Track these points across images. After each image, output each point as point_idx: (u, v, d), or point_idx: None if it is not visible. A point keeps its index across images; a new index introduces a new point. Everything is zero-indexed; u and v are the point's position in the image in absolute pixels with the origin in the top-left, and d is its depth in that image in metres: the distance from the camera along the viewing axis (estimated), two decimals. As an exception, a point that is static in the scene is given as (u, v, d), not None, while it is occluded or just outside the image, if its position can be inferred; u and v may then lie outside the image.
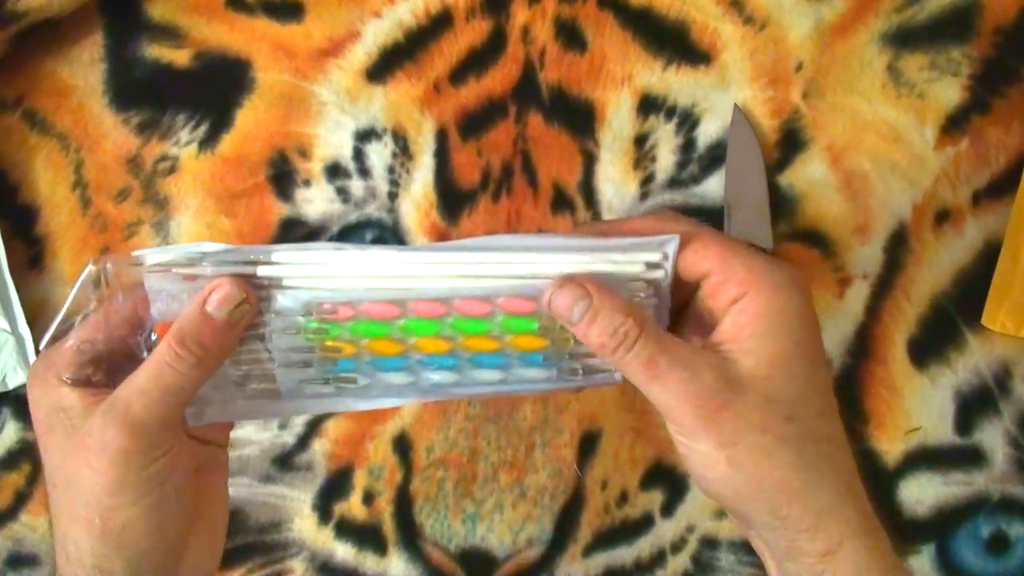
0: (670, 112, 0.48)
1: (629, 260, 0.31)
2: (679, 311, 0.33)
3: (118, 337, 0.31)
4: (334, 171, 0.49)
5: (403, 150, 0.49)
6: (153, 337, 0.31)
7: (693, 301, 0.32)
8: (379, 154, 0.49)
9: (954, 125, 0.48)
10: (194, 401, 0.32)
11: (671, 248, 0.31)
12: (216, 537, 0.35)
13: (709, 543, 0.47)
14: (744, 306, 0.30)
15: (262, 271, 0.31)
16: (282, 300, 0.31)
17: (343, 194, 0.49)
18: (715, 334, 0.30)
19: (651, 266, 0.31)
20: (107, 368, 0.32)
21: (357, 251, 0.31)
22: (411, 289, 0.31)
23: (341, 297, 0.31)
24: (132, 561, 0.30)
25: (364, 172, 0.49)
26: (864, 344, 0.47)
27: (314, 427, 0.48)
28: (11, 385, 0.47)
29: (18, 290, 0.47)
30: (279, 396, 0.33)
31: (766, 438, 0.29)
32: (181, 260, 0.30)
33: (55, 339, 0.31)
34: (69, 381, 0.30)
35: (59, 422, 0.30)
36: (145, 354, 0.31)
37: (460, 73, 0.49)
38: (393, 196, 0.49)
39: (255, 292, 0.31)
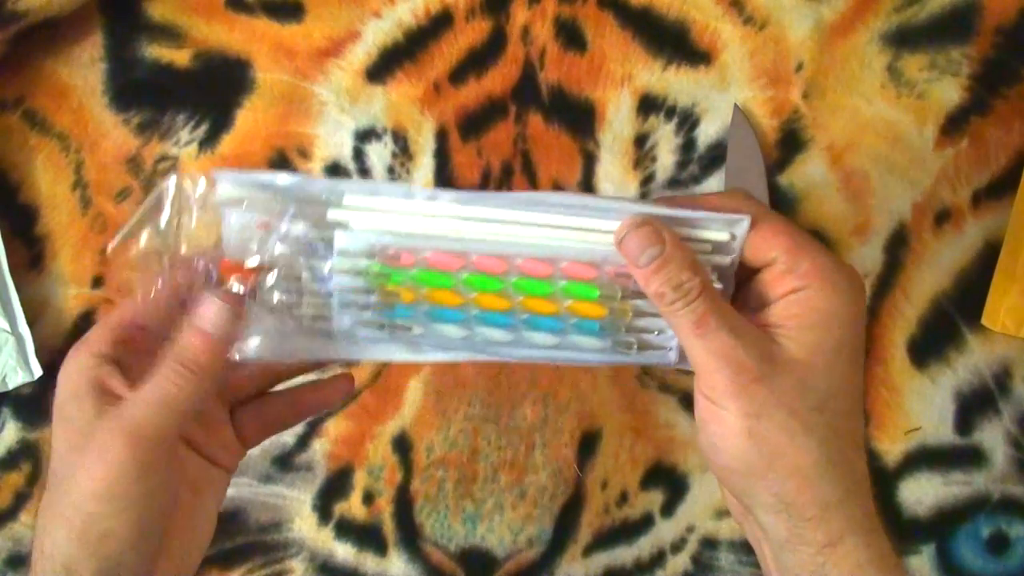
0: (670, 112, 0.48)
1: (696, 238, 0.31)
2: (737, 285, 0.33)
3: (155, 319, 0.32)
4: (334, 171, 0.49)
5: (403, 150, 0.49)
6: (213, 275, 0.31)
7: (749, 283, 0.32)
8: (379, 154, 0.49)
9: (954, 125, 0.48)
10: (246, 333, 0.32)
11: (740, 230, 0.31)
12: (193, 554, 0.35)
13: (709, 543, 0.47)
14: (801, 298, 0.30)
15: (331, 214, 0.31)
16: (347, 241, 0.31)
17: (343, 194, 0.49)
18: (764, 314, 0.30)
19: (717, 247, 0.31)
20: (141, 348, 0.32)
21: (426, 197, 0.31)
22: (476, 241, 0.31)
23: (406, 243, 0.31)
24: (104, 570, 0.30)
25: (364, 172, 0.49)
26: (864, 344, 0.47)
27: (314, 427, 0.48)
28: (11, 385, 0.47)
29: (18, 290, 0.47)
30: (332, 337, 0.33)
31: (792, 421, 0.29)
32: (257, 196, 0.31)
33: (123, 241, 0.32)
34: (100, 355, 0.31)
35: (71, 417, 0.30)
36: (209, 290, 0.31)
37: (460, 73, 0.49)
38: (393, 196, 0.49)
39: (243, 305, 0.31)
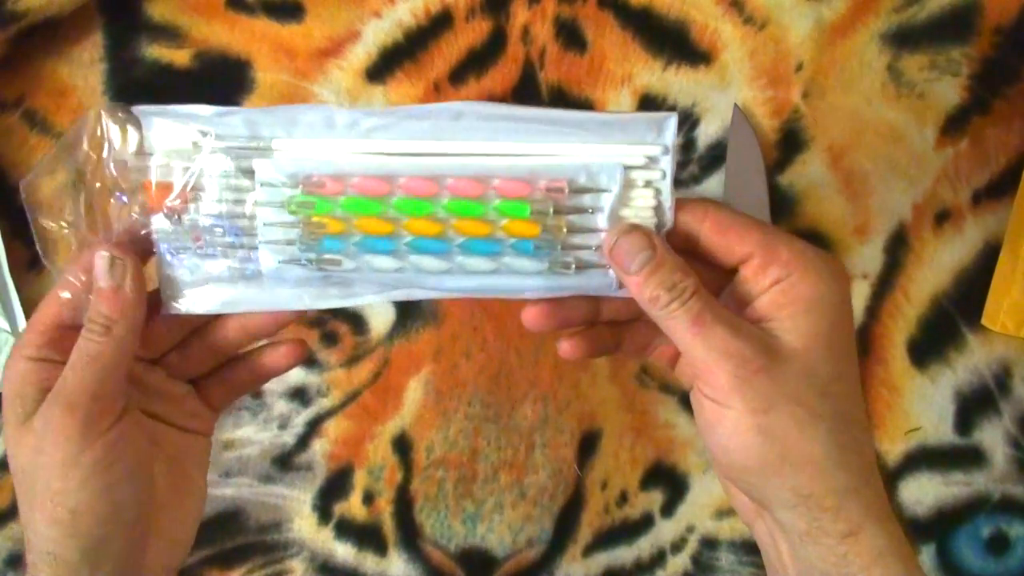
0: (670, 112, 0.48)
1: (628, 153, 0.31)
2: (714, 294, 0.33)
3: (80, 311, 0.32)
4: (334, 171, 0.49)
5: (403, 150, 0.49)
6: (134, 214, 0.31)
7: (732, 283, 0.32)
8: (379, 154, 0.49)
9: (954, 125, 0.48)
10: (168, 287, 0.32)
11: (669, 134, 0.31)
12: (185, 529, 0.35)
13: (709, 543, 0.47)
14: (785, 287, 0.30)
15: (258, 158, 0.31)
16: (268, 171, 0.30)
17: (343, 194, 0.49)
18: (751, 310, 0.30)
19: (651, 160, 0.31)
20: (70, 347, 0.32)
21: (346, 124, 0.30)
22: (403, 164, 0.30)
23: (329, 169, 0.30)
24: (87, 550, 0.30)
25: (364, 172, 0.49)
26: (864, 344, 0.47)
27: (314, 427, 0.48)
28: (11, 385, 0.47)
29: (18, 290, 0.47)
30: (260, 280, 0.32)
31: (800, 410, 0.28)
32: (180, 134, 0.30)
33: (34, 178, 0.32)
34: (32, 359, 0.31)
35: (14, 410, 0.31)
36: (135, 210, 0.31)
37: (460, 73, 0.49)
38: (393, 196, 0.49)
39: (132, 253, 0.31)
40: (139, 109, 0.31)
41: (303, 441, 0.48)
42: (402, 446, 0.48)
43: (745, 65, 0.48)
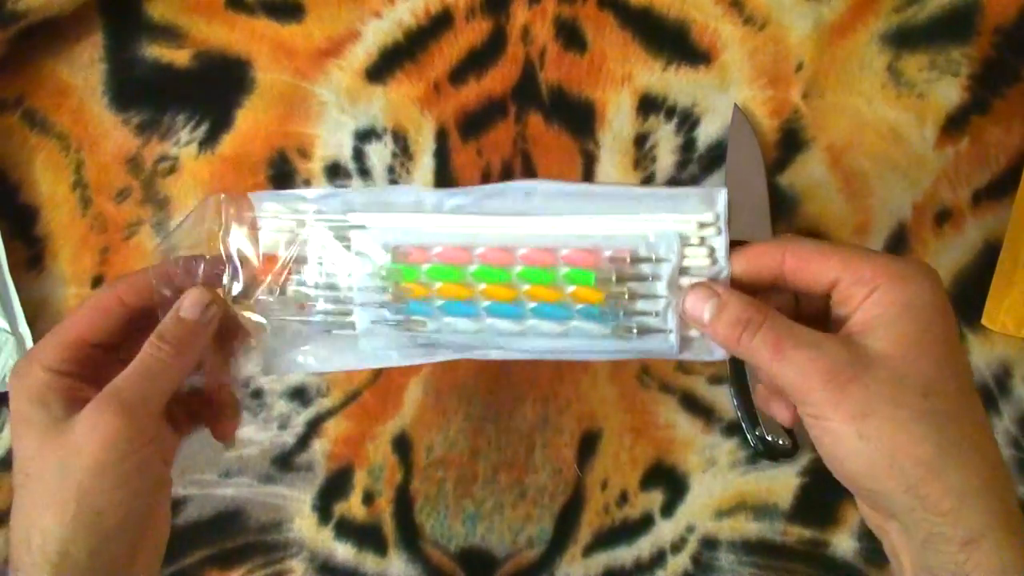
0: (670, 112, 0.48)
1: (684, 221, 0.33)
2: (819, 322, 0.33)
3: (108, 333, 0.34)
4: (334, 171, 0.49)
5: (403, 150, 0.49)
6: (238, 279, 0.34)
7: (826, 311, 0.32)
8: (379, 154, 0.49)
9: (954, 125, 0.48)
10: (271, 352, 0.36)
11: (721, 205, 0.33)
12: (164, 528, 0.35)
13: (709, 543, 0.47)
14: (875, 299, 0.30)
15: (350, 218, 0.34)
16: (362, 241, 0.34)
17: (343, 194, 0.49)
18: (845, 328, 0.30)
19: (704, 225, 0.33)
20: (93, 364, 0.33)
21: (432, 208, 0.34)
22: (481, 236, 0.34)
23: (415, 240, 0.34)
24: (95, 548, 0.31)
25: (364, 172, 0.49)
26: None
27: (314, 427, 0.48)
28: (11, 385, 0.47)
29: (18, 290, 0.47)
30: (353, 342, 0.35)
31: (900, 411, 0.28)
32: (288, 214, 0.34)
33: (166, 251, 0.35)
34: (53, 370, 0.32)
35: (38, 413, 0.31)
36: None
37: (460, 73, 0.49)
38: (393, 196, 0.49)
39: (222, 297, 0.34)
40: (253, 195, 0.35)
41: (303, 441, 0.48)
42: (402, 446, 0.48)
43: (745, 65, 0.48)
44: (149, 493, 0.32)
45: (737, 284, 0.33)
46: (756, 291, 0.32)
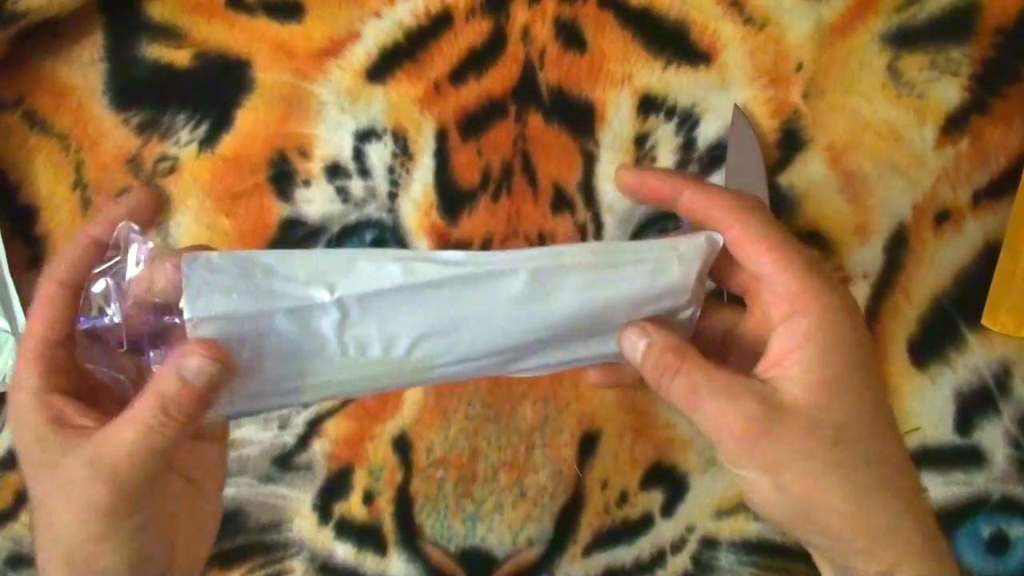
0: (670, 112, 0.48)
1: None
2: (728, 336, 0.33)
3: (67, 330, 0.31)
4: (334, 171, 0.49)
5: (403, 150, 0.49)
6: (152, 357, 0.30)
7: (758, 294, 0.32)
8: (379, 154, 0.49)
9: (954, 125, 0.48)
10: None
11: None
12: (201, 551, 0.34)
13: (709, 543, 0.47)
14: (792, 328, 0.29)
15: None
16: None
17: (343, 194, 0.49)
18: (763, 360, 0.30)
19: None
20: (68, 369, 0.31)
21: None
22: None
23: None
24: (134, 563, 0.30)
25: (364, 172, 0.49)
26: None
27: (314, 427, 0.48)
28: (11, 385, 0.47)
29: (18, 290, 0.47)
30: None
31: (812, 463, 0.28)
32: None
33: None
34: (36, 393, 0.30)
35: (38, 453, 0.30)
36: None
37: (460, 73, 0.49)
38: (393, 196, 0.49)
39: (228, 356, 0.30)
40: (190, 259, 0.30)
41: (303, 441, 0.48)
42: (402, 446, 0.48)
43: (745, 65, 0.48)
44: (161, 538, 0.31)
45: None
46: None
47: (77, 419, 0.30)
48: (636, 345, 0.31)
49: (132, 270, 0.30)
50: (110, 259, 0.30)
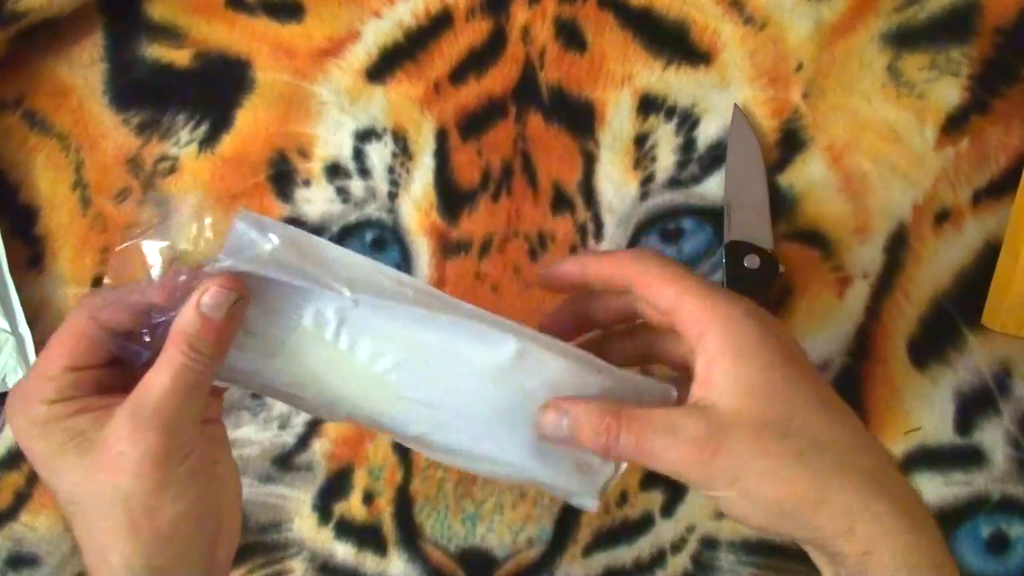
0: (670, 112, 0.48)
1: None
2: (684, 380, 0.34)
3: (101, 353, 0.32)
4: (334, 171, 0.49)
5: (403, 150, 0.49)
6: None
7: (673, 342, 0.34)
8: (379, 154, 0.49)
9: (954, 125, 0.48)
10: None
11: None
12: (236, 518, 0.35)
13: (709, 543, 0.47)
14: (705, 345, 0.31)
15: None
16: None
17: (343, 194, 0.49)
18: (694, 384, 0.31)
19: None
20: (93, 380, 0.32)
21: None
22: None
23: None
24: (180, 554, 0.31)
25: (364, 172, 0.49)
26: (864, 344, 0.47)
27: (314, 427, 0.48)
28: (11, 385, 0.47)
29: (18, 290, 0.47)
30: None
31: (768, 461, 0.29)
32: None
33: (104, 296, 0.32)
34: (53, 401, 0.31)
35: (68, 442, 0.30)
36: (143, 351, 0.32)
37: (460, 73, 0.49)
38: (393, 196, 0.49)
39: (245, 287, 0.31)
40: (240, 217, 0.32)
41: (303, 441, 0.48)
42: (402, 446, 0.48)
43: (745, 65, 0.48)
44: (214, 483, 0.32)
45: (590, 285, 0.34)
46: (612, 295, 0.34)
47: (98, 402, 0.31)
48: (559, 424, 0.32)
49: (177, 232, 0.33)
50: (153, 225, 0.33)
